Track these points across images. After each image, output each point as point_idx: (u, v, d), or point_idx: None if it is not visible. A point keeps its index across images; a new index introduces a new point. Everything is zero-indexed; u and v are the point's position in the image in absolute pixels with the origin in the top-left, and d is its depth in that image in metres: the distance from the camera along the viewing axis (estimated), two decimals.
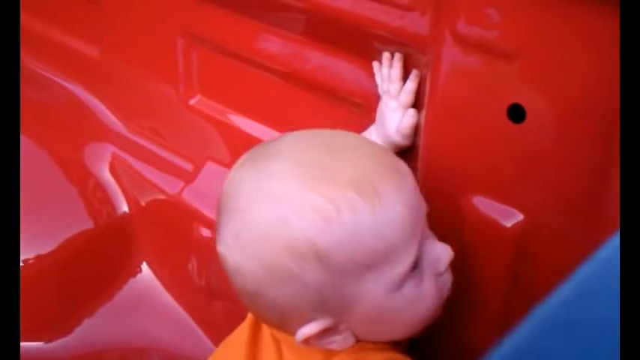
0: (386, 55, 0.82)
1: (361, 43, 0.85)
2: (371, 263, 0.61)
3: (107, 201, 1.18)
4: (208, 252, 1.06)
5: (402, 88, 0.80)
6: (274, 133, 0.99)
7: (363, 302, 0.62)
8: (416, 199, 0.64)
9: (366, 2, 0.79)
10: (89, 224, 1.17)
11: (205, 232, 1.07)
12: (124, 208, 1.18)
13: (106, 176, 1.18)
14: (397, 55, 0.81)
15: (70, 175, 1.18)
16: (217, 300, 1.09)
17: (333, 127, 0.91)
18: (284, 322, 0.65)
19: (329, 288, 0.61)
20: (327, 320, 0.63)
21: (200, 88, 1.07)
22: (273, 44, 0.95)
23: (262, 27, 0.94)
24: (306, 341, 0.64)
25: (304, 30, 0.90)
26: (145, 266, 1.17)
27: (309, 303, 0.62)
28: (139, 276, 1.16)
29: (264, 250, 0.61)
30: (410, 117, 0.79)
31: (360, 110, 0.89)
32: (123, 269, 1.16)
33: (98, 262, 1.15)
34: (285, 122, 0.98)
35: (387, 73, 0.82)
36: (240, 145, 1.05)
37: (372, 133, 0.84)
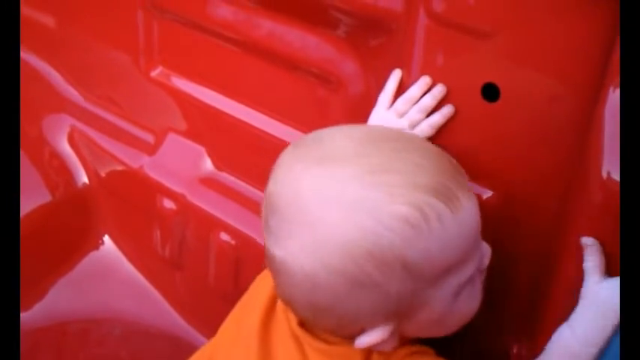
0: (426, 78, 0.73)
1: (322, 13, 0.85)
2: (449, 269, 0.60)
3: (66, 173, 1.16)
4: (171, 223, 1.07)
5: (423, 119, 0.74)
6: (236, 105, 1.00)
7: (430, 307, 0.62)
8: (476, 203, 0.63)
9: None
10: (47, 197, 1.15)
11: (168, 204, 1.07)
12: (84, 179, 1.16)
13: (65, 148, 1.16)
14: (439, 87, 0.72)
15: (27, 147, 1.16)
16: (180, 270, 1.09)
17: (293, 96, 0.92)
18: (340, 328, 0.64)
19: (409, 295, 0.60)
20: (391, 325, 0.62)
21: (161, 59, 1.06)
22: (235, 15, 0.94)
23: None
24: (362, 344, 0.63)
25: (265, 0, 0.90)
26: (107, 238, 1.16)
27: (384, 311, 0.61)
28: (101, 248, 1.15)
29: (345, 261, 0.58)
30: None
31: (318, 80, 0.90)
32: (84, 242, 1.15)
33: (58, 235, 1.14)
34: (248, 94, 0.98)
35: (417, 96, 0.74)
36: (201, 116, 1.05)
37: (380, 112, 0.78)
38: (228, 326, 0.77)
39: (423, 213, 0.57)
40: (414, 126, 0.74)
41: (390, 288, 0.59)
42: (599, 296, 0.61)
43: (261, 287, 0.74)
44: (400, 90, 0.76)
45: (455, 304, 0.63)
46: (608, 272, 0.63)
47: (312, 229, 0.59)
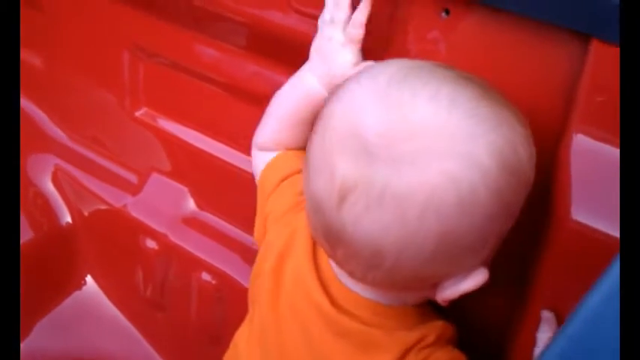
0: None
1: (305, 58, 0.86)
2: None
3: (49, 212, 1.16)
4: (154, 263, 1.07)
5: (349, 17, 0.71)
6: (219, 145, 1.00)
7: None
8: None
9: (315, 23, 0.81)
10: (30, 235, 1.15)
11: (150, 244, 1.07)
12: (67, 219, 1.16)
13: (49, 187, 1.17)
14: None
15: None
16: (163, 311, 1.09)
17: None
18: (445, 271, 0.60)
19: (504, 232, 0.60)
20: (485, 269, 0.61)
21: (146, 100, 1.07)
22: (219, 57, 0.96)
23: (208, 41, 0.95)
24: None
25: (248, 43, 0.92)
26: (89, 278, 1.16)
27: (495, 248, 0.60)
28: (83, 288, 1.15)
29: (501, 175, 0.56)
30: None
31: None
32: (67, 281, 1.15)
33: (41, 275, 1.14)
34: (231, 135, 0.99)
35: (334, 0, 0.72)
36: (185, 156, 1.06)
37: (307, 74, 0.76)
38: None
39: (530, 146, 0.58)
40: (343, 29, 0.72)
41: (515, 211, 0.59)
42: None
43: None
44: None
45: None
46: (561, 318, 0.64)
47: (460, 159, 0.55)
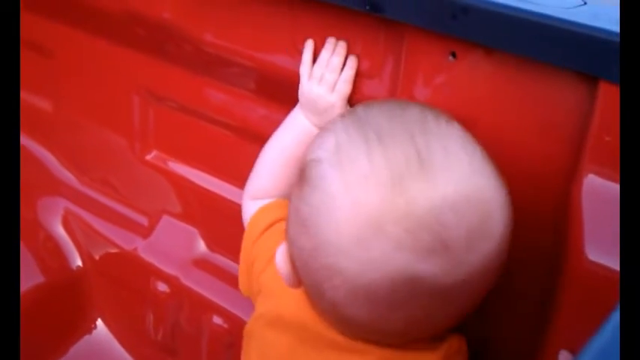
0: (331, 40, 0.79)
1: None
2: None
3: (60, 256, 1.17)
4: (164, 306, 1.07)
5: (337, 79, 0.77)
6: (229, 187, 1.01)
7: None
8: None
9: None
10: (40, 279, 1.16)
11: (161, 287, 1.07)
12: (78, 262, 1.17)
13: (59, 231, 1.17)
14: (341, 43, 0.77)
15: (21, 229, 1.17)
16: (173, 356, 1.08)
17: None
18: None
19: None
20: None
21: (156, 143, 1.08)
22: (227, 101, 0.97)
23: (218, 85, 0.96)
24: None
25: (257, 87, 0.93)
26: (99, 322, 1.16)
27: None
28: (94, 332, 1.15)
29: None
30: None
31: None
32: (77, 325, 1.15)
33: (51, 319, 1.14)
34: (241, 176, 0.99)
35: (327, 59, 0.78)
36: (195, 199, 1.06)
37: (300, 116, 0.81)
38: None
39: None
40: (333, 88, 0.77)
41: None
42: None
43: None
44: None
45: None
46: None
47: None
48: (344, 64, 0.78)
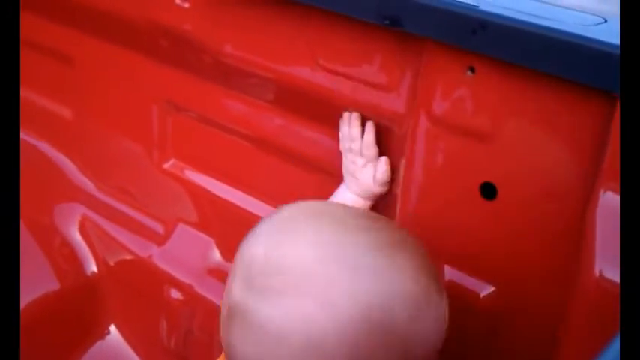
0: (345, 114, 0.85)
1: (331, 113, 0.88)
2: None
3: (75, 261, 1.18)
4: (178, 314, 1.07)
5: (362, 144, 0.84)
6: (246, 197, 1.02)
7: None
8: None
9: (342, 80, 0.83)
10: (56, 285, 1.17)
11: (175, 294, 1.08)
12: (93, 268, 1.18)
13: (76, 237, 1.18)
14: (354, 114, 0.84)
15: (38, 234, 1.18)
16: None
17: (302, 193, 0.94)
18: None
19: None
20: None
21: (174, 152, 1.09)
22: (246, 112, 0.98)
23: (236, 95, 0.97)
24: None
25: (275, 98, 0.94)
26: (113, 328, 1.17)
27: None
28: (107, 338, 1.16)
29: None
30: (384, 165, 0.83)
31: (327, 176, 0.92)
32: (91, 331, 1.16)
33: (65, 323, 1.15)
34: (258, 187, 1.01)
35: (347, 131, 0.85)
36: (211, 208, 1.07)
37: (346, 192, 0.87)
38: None
39: (427, 294, 0.58)
40: (360, 154, 0.84)
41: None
42: None
43: None
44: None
45: None
46: None
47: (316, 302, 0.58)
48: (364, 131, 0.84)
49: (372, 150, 0.84)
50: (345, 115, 0.85)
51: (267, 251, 0.61)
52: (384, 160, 0.83)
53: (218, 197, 1.05)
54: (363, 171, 0.85)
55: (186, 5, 0.95)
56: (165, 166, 1.10)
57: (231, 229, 1.04)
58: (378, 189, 0.84)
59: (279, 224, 0.64)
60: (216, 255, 1.06)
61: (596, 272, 0.61)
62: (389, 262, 0.59)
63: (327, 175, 0.92)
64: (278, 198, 0.98)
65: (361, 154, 0.85)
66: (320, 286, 0.58)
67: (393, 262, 0.59)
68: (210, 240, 1.07)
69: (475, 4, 0.67)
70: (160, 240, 1.11)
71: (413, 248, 0.61)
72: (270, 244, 0.61)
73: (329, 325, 0.56)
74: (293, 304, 0.57)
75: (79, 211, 1.19)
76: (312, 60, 0.85)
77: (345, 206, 0.68)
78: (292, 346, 0.57)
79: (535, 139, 0.66)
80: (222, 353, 0.75)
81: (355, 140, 0.84)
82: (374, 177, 0.84)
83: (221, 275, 1.05)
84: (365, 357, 0.57)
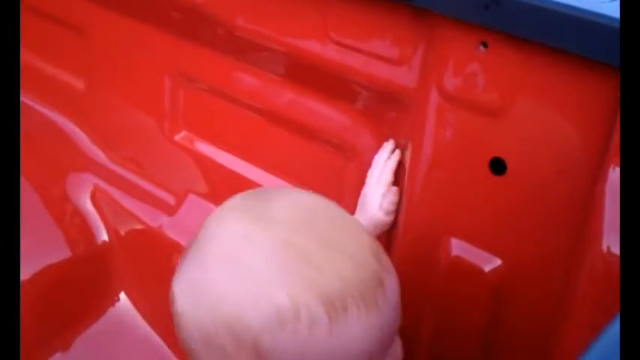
0: (387, 146, 0.85)
1: (342, 87, 0.89)
2: None
3: (86, 230, 1.19)
4: None
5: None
6: (256, 170, 1.03)
7: None
8: (390, 318, 0.58)
9: (353, 54, 0.84)
10: (67, 253, 1.18)
11: None
12: (104, 237, 1.19)
13: (87, 206, 1.19)
14: (397, 152, 0.84)
15: (49, 203, 1.20)
16: None
17: (310, 163, 0.95)
18: None
19: None
20: None
21: (185, 124, 1.10)
22: (258, 85, 0.98)
23: (248, 68, 0.98)
24: None
25: (287, 72, 0.94)
26: (123, 296, 1.18)
27: None
28: (117, 305, 1.17)
29: (207, 319, 0.58)
30: (393, 193, 0.83)
31: (336, 150, 0.93)
32: (101, 298, 1.17)
33: (76, 291, 1.16)
34: (268, 159, 1.02)
35: (383, 162, 0.85)
36: (221, 179, 1.08)
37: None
38: None
39: (295, 311, 0.54)
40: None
41: None
42: None
43: None
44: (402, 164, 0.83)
45: None
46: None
47: (202, 269, 0.61)
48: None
49: (389, 175, 0.84)
50: (386, 146, 0.86)
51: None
52: (393, 189, 0.83)
53: (228, 169, 1.05)
54: (374, 196, 0.84)
55: None
56: (177, 137, 1.10)
57: None
58: (380, 215, 0.83)
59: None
60: None
61: (604, 248, 0.62)
62: (276, 268, 0.57)
63: (336, 149, 0.93)
64: (287, 170, 0.99)
65: (379, 181, 0.84)
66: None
67: (291, 269, 0.56)
68: None
69: None
70: (171, 210, 1.12)
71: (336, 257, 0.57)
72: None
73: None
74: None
75: (91, 181, 1.20)
76: (324, 34, 0.85)
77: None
78: None
79: (546, 115, 0.67)
80: None
81: (386, 172, 0.84)
82: (381, 204, 0.83)
83: None
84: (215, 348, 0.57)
